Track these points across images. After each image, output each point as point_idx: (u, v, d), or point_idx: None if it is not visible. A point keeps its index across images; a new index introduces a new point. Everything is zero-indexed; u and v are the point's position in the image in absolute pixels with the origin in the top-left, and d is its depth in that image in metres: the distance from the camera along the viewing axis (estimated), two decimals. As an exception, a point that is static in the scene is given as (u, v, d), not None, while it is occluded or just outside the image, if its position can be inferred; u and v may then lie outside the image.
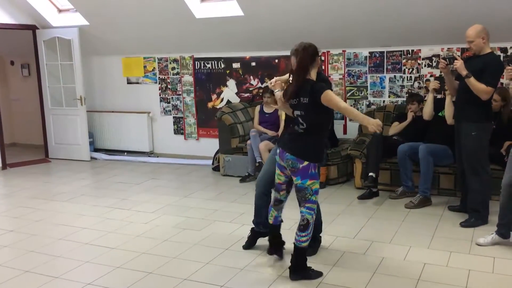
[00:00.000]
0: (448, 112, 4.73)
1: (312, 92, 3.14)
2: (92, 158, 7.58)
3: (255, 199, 3.84)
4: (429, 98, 5.07)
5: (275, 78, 3.54)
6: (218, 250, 3.87)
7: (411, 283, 3.23)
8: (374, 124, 3.03)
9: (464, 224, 4.25)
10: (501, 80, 5.10)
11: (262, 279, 3.37)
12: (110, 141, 7.81)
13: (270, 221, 3.56)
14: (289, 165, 3.20)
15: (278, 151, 3.31)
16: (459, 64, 4.08)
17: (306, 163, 3.16)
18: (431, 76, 5.71)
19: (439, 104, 5.04)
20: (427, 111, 5.09)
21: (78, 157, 7.54)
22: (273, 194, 3.54)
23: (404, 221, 4.44)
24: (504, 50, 5.35)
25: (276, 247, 3.62)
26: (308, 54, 3.18)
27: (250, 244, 3.89)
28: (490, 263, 3.50)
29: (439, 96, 5.38)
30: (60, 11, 7.44)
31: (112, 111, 7.75)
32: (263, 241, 3.93)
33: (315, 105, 3.13)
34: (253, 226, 3.92)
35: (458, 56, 4.72)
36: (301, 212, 3.28)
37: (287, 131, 3.38)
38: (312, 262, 3.46)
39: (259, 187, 3.79)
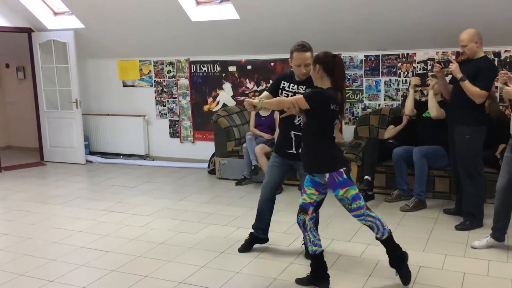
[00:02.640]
0: (431, 105, 4.78)
1: None
2: (87, 161, 7.55)
3: (259, 203, 3.84)
4: (410, 93, 5.17)
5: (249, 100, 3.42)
6: (213, 253, 3.87)
7: (406, 286, 3.23)
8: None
9: (459, 227, 4.26)
10: (495, 84, 5.14)
11: (257, 283, 3.37)
12: (105, 144, 7.80)
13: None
14: None
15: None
16: (454, 67, 4.11)
17: None
18: (427, 78, 5.73)
19: (423, 106, 5.09)
20: (408, 105, 5.17)
21: (73, 160, 7.52)
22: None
23: (400, 224, 4.45)
24: (497, 54, 5.38)
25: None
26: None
27: (246, 248, 3.89)
28: (485, 266, 3.52)
29: (423, 99, 5.43)
30: (55, 14, 7.43)
31: (108, 114, 7.73)
32: (259, 245, 3.94)
33: None
34: (252, 230, 3.93)
35: (454, 59, 4.74)
36: None
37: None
38: (306, 265, 3.46)
39: (266, 192, 3.78)
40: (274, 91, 3.66)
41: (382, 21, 5.48)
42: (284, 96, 3.57)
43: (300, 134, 3.55)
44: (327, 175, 3.09)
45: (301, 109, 3.15)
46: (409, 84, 5.55)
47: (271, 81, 6.40)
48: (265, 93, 3.71)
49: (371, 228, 3.21)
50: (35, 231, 4.56)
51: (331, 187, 3.11)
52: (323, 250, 3.27)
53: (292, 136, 3.58)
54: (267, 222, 3.89)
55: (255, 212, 3.88)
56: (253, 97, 3.71)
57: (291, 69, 3.67)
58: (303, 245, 3.80)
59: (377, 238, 3.27)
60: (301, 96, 3.14)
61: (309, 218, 3.20)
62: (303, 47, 3.48)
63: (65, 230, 4.53)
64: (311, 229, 3.23)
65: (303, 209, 3.21)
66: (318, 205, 3.26)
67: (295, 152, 3.61)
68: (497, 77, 4.45)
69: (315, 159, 3.15)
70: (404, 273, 3.21)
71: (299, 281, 3.31)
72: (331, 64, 3.10)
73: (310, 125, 3.15)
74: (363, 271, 3.48)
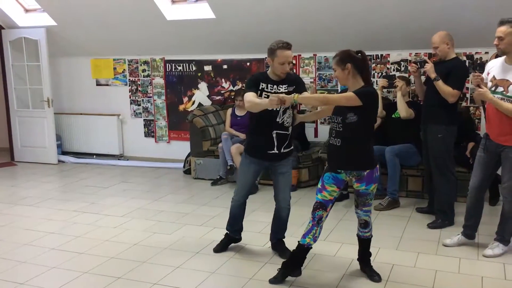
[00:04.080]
0: (400, 106, 4.93)
1: None
2: (59, 161, 7.41)
3: (233, 208, 3.80)
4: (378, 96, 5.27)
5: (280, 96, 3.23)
6: (188, 253, 3.84)
7: (379, 284, 3.28)
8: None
9: (431, 226, 4.34)
10: (467, 85, 5.26)
11: (233, 283, 3.36)
12: (78, 144, 7.67)
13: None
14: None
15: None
16: (429, 67, 4.23)
17: None
18: (394, 80, 5.81)
19: (392, 107, 5.18)
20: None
21: (45, 160, 7.36)
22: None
23: (373, 223, 4.42)
24: (470, 57, 5.50)
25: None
26: None
27: (222, 248, 3.88)
28: (456, 264, 3.59)
29: (395, 100, 5.53)
30: (27, 11, 7.28)
31: (81, 113, 7.61)
32: (234, 244, 3.95)
33: None
34: (227, 231, 3.91)
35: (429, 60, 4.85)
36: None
37: None
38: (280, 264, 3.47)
39: (241, 198, 3.75)
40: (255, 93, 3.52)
41: (356, 22, 5.53)
42: (264, 97, 3.43)
43: (283, 132, 3.53)
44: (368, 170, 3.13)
45: (318, 109, 3.22)
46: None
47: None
48: (252, 93, 3.46)
49: (367, 224, 3.30)
50: (5, 232, 4.44)
51: (366, 181, 3.14)
52: (311, 248, 3.31)
53: (274, 135, 3.52)
54: (241, 224, 3.89)
55: (230, 214, 3.88)
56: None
57: (266, 69, 3.61)
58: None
59: (363, 236, 3.35)
60: (351, 93, 3.03)
61: (326, 214, 3.21)
62: (288, 45, 3.44)
63: (36, 232, 4.43)
64: (321, 226, 3.24)
65: (322, 206, 3.17)
66: (335, 202, 3.28)
67: (277, 152, 3.55)
68: (468, 79, 4.58)
69: (359, 157, 3.13)
70: (370, 271, 3.37)
71: (273, 280, 3.31)
72: (361, 61, 3.09)
73: (357, 123, 3.04)
74: (338, 270, 3.50)
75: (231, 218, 3.86)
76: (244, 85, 6.51)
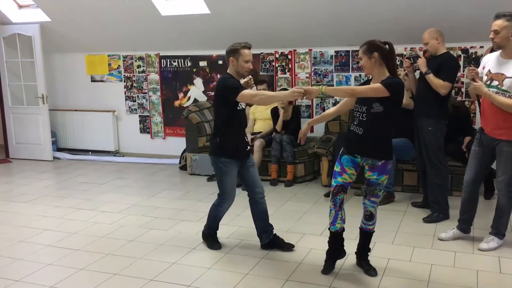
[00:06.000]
0: None
1: None
2: (55, 158, 7.39)
3: (221, 214, 3.81)
4: None
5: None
6: (184, 249, 3.84)
7: (375, 278, 3.29)
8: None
9: (426, 220, 4.36)
10: (462, 79, 5.28)
11: (229, 278, 3.36)
12: (73, 141, 7.64)
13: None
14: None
15: None
16: (421, 61, 4.30)
17: None
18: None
19: None
20: None
21: (40, 157, 7.34)
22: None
23: (369, 217, 4.51)
24: (465, 51, 5.50)
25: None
26: None
27: (218, 244, 3.87)
28: (452, 257, 3.60)
29: None
30: (20, 7, 7.23)
31: (76, 110, 7.58)
32: (230, 240, 3.94)
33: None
34: (210, 231, 3.91)
35: (422, 55, 4.87)
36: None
37: None
38: (277, 260, 3.47)
39: (229, 206, 3.77)
40: None
41: (351, 18, 5.52)
42: None
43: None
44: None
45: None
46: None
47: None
48: (248, 90, 3.52)
49: (372, 216, 3.31)
50: (1, 229, 4.43)
51: (378, 171, 3.16)
52: (344, 229, 3.34)
53: (245, 131, 3.66)
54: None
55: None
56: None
57: (228, 72, 3.60)
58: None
59: (365, 229, 3.35)
60: (379, 84, 3.02)
61: (346, 197, 3.23)
62: (250, 44, 3.54)
63: (32, 229, 4.42)
64: (343, 208, 3.26)
65: (343, 189, 3.19)
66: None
67: (249, 147, 3.69)
68: (463, 73, 4.59)
69: (379, 146, 3.15)
70: (366, 265, 3.39)
71: (325, 271, 3.36)
72: (387, 50, 3.11)
73: (383, 113, 3.06)
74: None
75: (216, 221, 3.86)
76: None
